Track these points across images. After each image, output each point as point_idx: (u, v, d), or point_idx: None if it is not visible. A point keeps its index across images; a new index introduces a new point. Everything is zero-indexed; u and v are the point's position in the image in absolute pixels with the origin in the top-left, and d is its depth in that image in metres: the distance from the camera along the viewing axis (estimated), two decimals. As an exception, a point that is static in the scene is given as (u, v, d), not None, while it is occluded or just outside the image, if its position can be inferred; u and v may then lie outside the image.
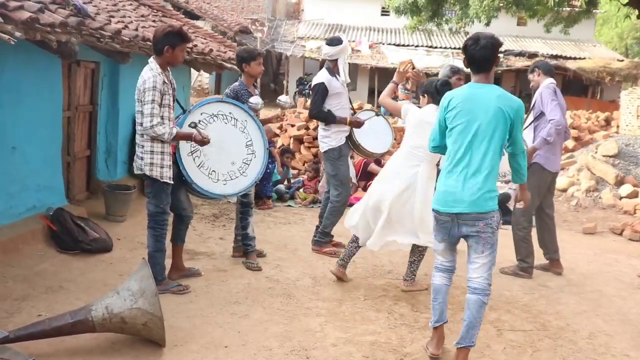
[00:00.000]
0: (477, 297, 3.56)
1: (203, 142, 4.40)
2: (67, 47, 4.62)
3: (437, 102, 4.64)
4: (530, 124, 5.58)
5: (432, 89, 4.73)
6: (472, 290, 3.59)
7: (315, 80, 5.71)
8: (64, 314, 3.53)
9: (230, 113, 4.85)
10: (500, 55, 3.87)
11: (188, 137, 4.39)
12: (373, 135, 5.85)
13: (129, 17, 6.73)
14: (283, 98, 5.51)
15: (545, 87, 5.47)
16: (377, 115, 6.14)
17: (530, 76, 5.71)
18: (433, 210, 3.73)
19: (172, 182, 4.38)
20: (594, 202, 9.09)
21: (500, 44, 3.69)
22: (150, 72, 4.20)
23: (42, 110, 5.56)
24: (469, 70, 3.71)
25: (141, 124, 4.21)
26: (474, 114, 3.54)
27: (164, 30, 4.29)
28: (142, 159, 4.28)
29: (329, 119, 5.62)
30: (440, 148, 3.80)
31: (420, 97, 4.88)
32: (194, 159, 4.56)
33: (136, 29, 6.02)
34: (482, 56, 3.59)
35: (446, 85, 4.68)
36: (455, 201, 3.56)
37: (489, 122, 3.52)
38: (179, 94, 6.15)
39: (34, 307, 4.04)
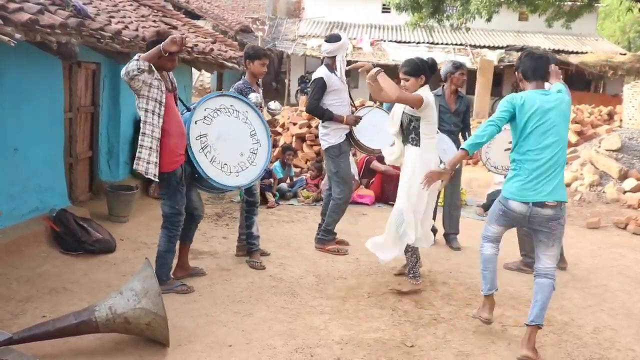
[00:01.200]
0: (550, 280, 3.88)
1: (174, 42, 4.09)
2: (67, 48, 4.63)
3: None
4: None
5: (427, 70, 4.84)
6: (543, 276, 3.90)
7: (315, 76, 5.71)
8: (67, 315, 3.53)
9: (231, 105, 4.88)
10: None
11: (156, 53, 4.12)
12: (373, 131, 5.83)
13: (129, 17, 6.73)
14: (273, 105, 5.47)
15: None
16: (379, 107, 6.14)
17: None
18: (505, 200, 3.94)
19: (155, 180, 4.32)
20: (598, 196, 9.06)
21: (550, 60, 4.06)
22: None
23: (43, 112, 5.57)
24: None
25: (145, 122, 4.20)
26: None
27: (150, 36, 4.33)
28: (139, 157, 4.27)
29: (325, 116, 5.61)
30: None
31: (414, 79, 4.77)
32: (205, 155, 4.58)
33: (136, 30, 6.02)
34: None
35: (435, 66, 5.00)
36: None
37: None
38: (180, 93, 6.15)
39: (38, 308, 4.04)
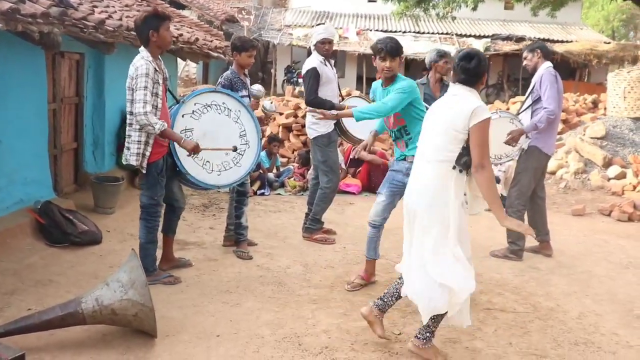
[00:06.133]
0: None
1: (193, 150, 4.33)
2: (49, 38, 4.56)
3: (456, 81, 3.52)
4: (527, 107, 5.57)
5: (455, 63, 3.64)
6: None
7: (306, 67, 5.68)
8: (53, 307, 3.51)
9: (223, 103, 4.81)
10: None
11: (176, 139, 4.30)
12: (362, 122, 5.83)
13: (113, 6, 6.65)
14: (268, 105, 5.44)
15: (547, 72, 5.41)
16: (362, 97, 6.15)
17: (529, 55, 5.58)
18: None
19: (144, 172, 4.32)
20: (583, 184, 9.14)
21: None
22: (143, 60, 4.15)
23: (26, 103, 5.50)
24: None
25: (131, 112, 4.17)
26: None
27: (142, 17, 4.23)
28: (128, 149, 4.24)
29: (327, 106, 5.58)
30: None
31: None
32: None
33: (120, 19, 5.95)
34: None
35: (465, 60, 3.46)
36: None
37: None
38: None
39: (24, 301, 4.01)
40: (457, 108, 3.33)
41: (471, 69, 3.41)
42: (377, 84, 4.73)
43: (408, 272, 3.51)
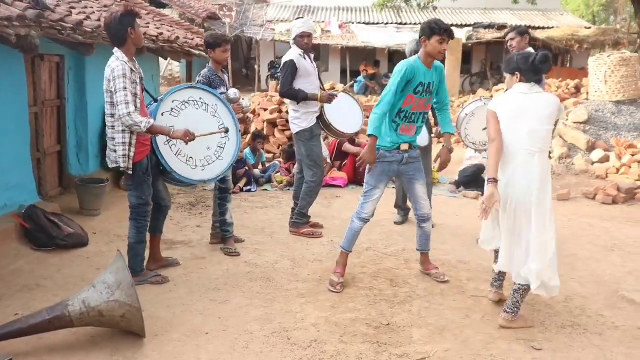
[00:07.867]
0: None
1: (186, 136, 4.28)
2: (27, 41, 4.53)
3: (531, 81, 3.84)
4: None
5: (528, 66, 3.80)
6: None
7: (284, 59, 5.69)
8: (40, 311, 3.50)
9: (200, 98, 4.81)
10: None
11: (165, 133, 4.26)
12: (344, 115, 5.85)
13: (91, 7, 6.60)
14: (242, 102, 5.45)
15: None
16: (346, 92, 6.16)
17: (518, 38, 5.59)
18: None
19: (129, 172, 4.30)
20: (567, 168, 9.20)
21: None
22: (118, 61, 4.10)
23: (7, 107, 5.45)
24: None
25: (112, 115, 4.14)
26: None
27: (116, 17, 4.16)
28: (115, 151, 4.21)
29: (300, 97, 5.60)
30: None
31: (509, 76, 3.99)
32: (170, 148, 4.53)
33: (98, 20, 5.90)
34: None
35: (546, 62, 3.81)
36: None
37: None
38: (149, 83, 6.09)
39: (10, 306, 3.99)
40: (547, 101, 3.80)
41: (548, 70, 3.88)
42: (414, 64, 4.31)
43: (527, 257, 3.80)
